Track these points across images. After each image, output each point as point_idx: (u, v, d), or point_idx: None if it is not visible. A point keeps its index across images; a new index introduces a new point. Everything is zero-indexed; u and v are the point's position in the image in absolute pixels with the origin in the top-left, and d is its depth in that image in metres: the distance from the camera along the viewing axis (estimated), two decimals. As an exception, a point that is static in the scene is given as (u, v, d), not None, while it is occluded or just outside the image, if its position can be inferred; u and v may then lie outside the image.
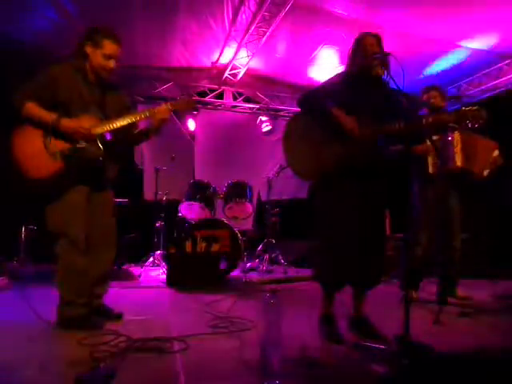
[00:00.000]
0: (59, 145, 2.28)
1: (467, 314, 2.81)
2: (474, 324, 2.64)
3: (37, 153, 2.25)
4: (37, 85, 2.29)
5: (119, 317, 2.54)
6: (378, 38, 2.30)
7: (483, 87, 6.08)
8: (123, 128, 2.38)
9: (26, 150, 2.25)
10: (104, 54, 2.32)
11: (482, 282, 4.08)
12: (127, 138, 2.56)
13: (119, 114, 2.40)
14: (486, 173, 3.23)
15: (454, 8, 4.31)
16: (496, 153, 3.27)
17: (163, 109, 2.43)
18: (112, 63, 2.36)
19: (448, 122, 2.06)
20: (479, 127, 3.11)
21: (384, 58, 2.14)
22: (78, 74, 2.36)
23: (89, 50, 2.33)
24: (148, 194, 6.19)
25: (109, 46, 2.32)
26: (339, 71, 2.42)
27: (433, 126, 2.10)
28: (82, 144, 2.31)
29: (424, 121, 2.04)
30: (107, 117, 2.38)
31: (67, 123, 2.25)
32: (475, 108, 1.97)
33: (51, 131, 2.26)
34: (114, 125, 2.34)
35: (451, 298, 3.18)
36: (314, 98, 2.34)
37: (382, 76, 2.21)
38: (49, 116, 2.24)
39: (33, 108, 2.24)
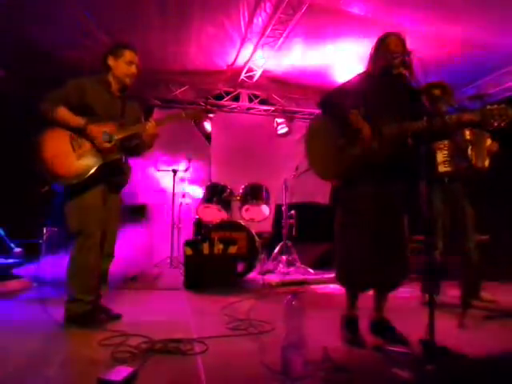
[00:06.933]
0: (85, 146, 2.46)
1: (492, 318, 2.74)
2: (500, 327, 2.58)
3: (64, 152, 2.43)
4: (66, 92, 2.50)
5: (118, 317, 2.62)
6: (401, 38, 2.27)
7: (504, 86, 5.93)
8: (130, 137, 2.58)
9: (54, 150, 2.43)
10: (126, 62, 2.58)
11: (507, 284, 3.98)
12: (130, 147, 2.68)
13: (134, 125, 2.62)
14: (487, 163, 3.16)
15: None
16: (489, 141, 3.22)
17: (152, 125, 2.58)
18: (134, 68, 2.62)
19: (473, 120, 1.99)
20: (504, 126, 3.05)
21: (406, 57, 2.10)
22: (101, 85, 2.60)
23: (111, 62, 2.59)
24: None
25: (128, 54, 2.60)
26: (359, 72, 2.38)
27: (456, 125, 2.05)
28: (107, 145, 2.47)
29: (447, 119, 1.99)
30: (124, 126, 2.57)
31: (94, 128, 2.45)
32: (502, 106, 1.90)
33: (82, 133, 2.44)
34: (128, 132, 2.55)
35: (475, 301, 3.10)
36: (334, 100, 2.32)
37: (404, 75, 2.17)
38: (79, 120, 2.45)
39: (64, 112, 2.44)
